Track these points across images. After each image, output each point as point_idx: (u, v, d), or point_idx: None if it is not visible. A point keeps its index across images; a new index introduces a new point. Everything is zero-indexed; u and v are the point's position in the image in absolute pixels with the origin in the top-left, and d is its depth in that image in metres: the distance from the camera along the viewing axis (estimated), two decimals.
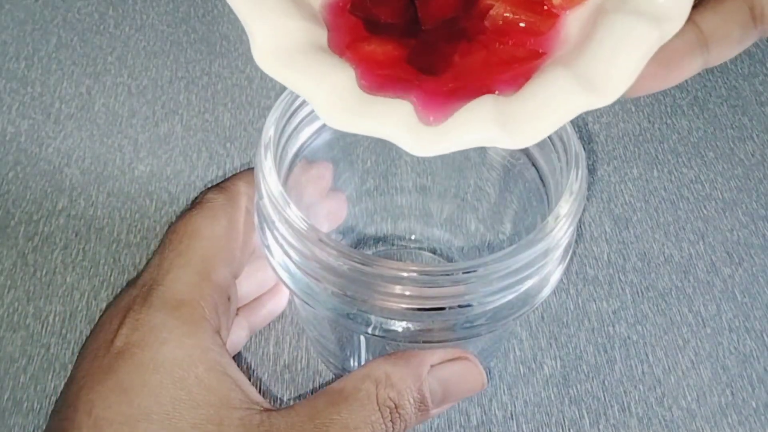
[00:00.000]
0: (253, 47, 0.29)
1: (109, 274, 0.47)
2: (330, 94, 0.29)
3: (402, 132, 0.28)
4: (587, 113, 0.58)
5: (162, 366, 0.31)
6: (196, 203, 0.38)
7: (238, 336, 0.41)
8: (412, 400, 0.32)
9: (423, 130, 0.28)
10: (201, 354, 0.32)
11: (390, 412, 0.32)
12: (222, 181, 0.40)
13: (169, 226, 0.38)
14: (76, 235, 0.49)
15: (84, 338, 0.44)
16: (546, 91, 0.28)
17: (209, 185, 0.52)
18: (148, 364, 0.31)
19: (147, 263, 0.37)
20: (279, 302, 0.44)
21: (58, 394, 0.42)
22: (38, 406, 0.42)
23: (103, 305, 0.46)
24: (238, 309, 0.41)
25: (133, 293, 0.35)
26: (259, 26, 0.28)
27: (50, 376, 0.43)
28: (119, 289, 0.47)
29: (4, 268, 0.47)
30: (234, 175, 0.40)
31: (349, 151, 0.43)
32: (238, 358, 0.44)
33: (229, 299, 0.37)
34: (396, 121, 0.28)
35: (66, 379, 0.34)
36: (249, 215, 0.38)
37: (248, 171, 0.40)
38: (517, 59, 0.29)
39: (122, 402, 0.31)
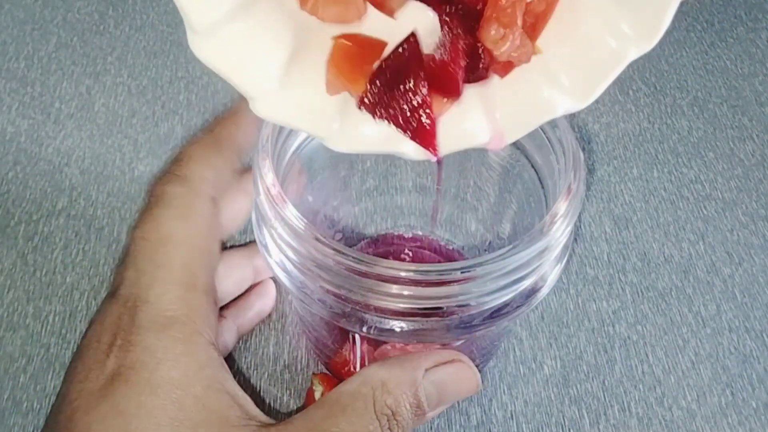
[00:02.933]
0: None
1: (109, 274, 0.47)
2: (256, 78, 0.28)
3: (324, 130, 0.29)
4: (587, 114, 0.58)
5: (159, 387, 0.31)
6: (155, 197, 0.36)
7: (226, 340, 0.41)
8: (408, 406, 0.32)
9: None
10: (198, 372, 0.32)
11: (387, 420, 0.32)
12: (173, 165, 0.37)
13: (134, 227, 0.35)
14: (76, 235, 0.49)
15: None
16: (527, 95, 0.29)
17: None
18: (144, 387, 0.31)
19: (120, 271, 0.35)
20: (267, 303, 0.43)
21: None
22: (38, 406, 0.42)
23: None
24: (225, 311, 0.41)
25: (117, 311, 0.33)
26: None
27: (50, 376, 0.43)
28: None
29: (4, 268, 0.47)
30: (185, 156, 0.37)
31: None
32: (238, 357, 0.44)
33: (215, 303, 0.35)
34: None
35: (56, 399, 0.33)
36: (214, 205, 0.36)
37: (197, 146, 0.37)
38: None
39: (119, 425, 0.30)
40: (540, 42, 0.29)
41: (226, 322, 0.40)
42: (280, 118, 0.29)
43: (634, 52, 0.28)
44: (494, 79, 0.30)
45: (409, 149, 0.31)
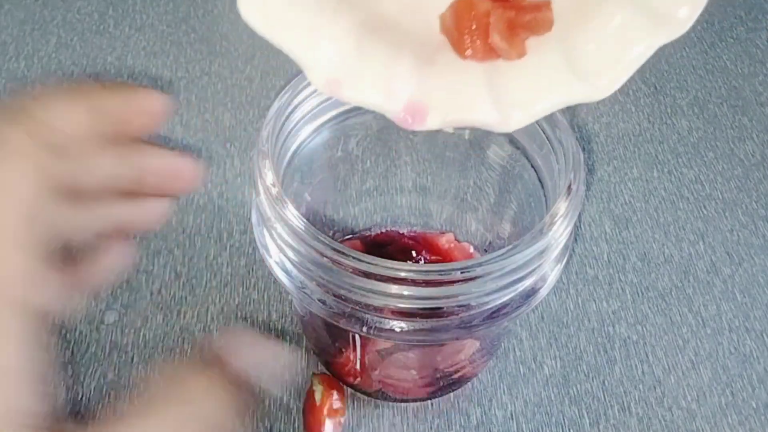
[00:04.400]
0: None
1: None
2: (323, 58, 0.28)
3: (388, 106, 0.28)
4: (587, 113, 0.58)
5: None
6: None
7: (62, 302, 0.32)
8: None
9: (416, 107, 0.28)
10: None
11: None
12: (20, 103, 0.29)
13: None
14: None
15: (84, 338, 0.44)
16: (540, 76, 0.28)
17: (209, 185, 0.52)
18: None
19: None
20: (119, 261, 0.35)
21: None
22: None
23: (103, 305, 0.46)
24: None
25: None
26: None
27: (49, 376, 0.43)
28: (118, 289, 0.47)
29: None
30: (36, 99, 0.29)
31: (348, 151, 0.43)
32: None
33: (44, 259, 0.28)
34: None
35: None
36: (56, 156, 0.28)
37: (61, 93, 0.29)
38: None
39: None
40: (563, 27, 0.28)
41: (65, 278, 0.32)
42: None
43: (664, 37, 0.26)
44: (510, 63, 0.29)
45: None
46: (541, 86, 0.28)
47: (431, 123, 0.29)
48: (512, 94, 0.29)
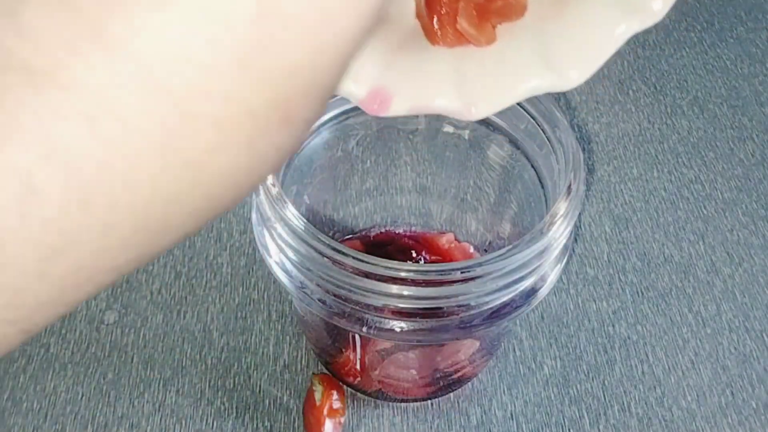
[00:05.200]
0: None
1: None
2: None
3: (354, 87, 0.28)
4: (587, 114, 0.58)
5: None
6: None
7: None
8: None
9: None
10: None
11: None
12: None
13: None
14: None
15: (84, 338, 0.44)
16: (508, 64, 0.28)
17: None
18: None
19: None
20: None
21: (58, 395, 0.42)
22: (38, 406, 0.42)
23: (104, 305, 0.46)
24: None
25: None
26: None
27: (50, 376, 0.43)
28: (118, 289, 0.47)
29: None
30: None
31: (348, 151, 0.43)
32: (238, 357, 0.44)
33: None
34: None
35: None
36: None
37: None
38: None
39: None
40: (536, 15, 0.28)
41: None
42: None
43: (637, 26, 0.26)
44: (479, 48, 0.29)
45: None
46: (508, 75, 0.28)
47: (395, 109, 0.29)
48: (478, 83, 0.29)
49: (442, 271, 0.31)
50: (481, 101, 0.28)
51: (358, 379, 0.42)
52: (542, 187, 0.38)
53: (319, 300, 0.33)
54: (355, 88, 0.29)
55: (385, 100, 0.29)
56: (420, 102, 0.29)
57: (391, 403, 0.43)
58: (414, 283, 0.31)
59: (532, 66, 0.28)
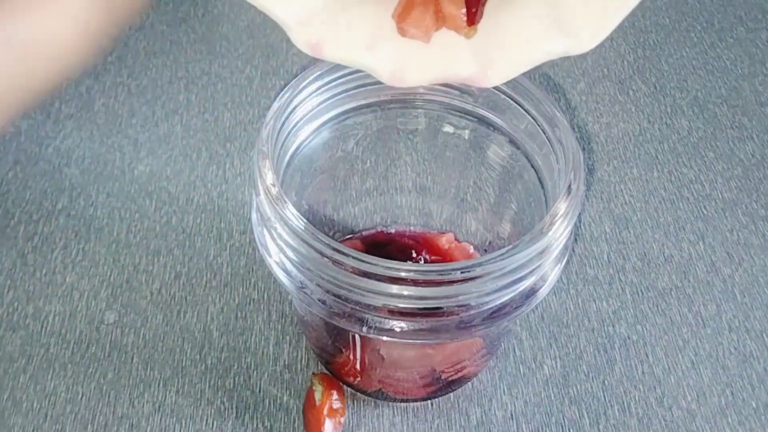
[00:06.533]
0: None
1: (108, 274, 0.47)
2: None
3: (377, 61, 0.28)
4: (587, 114, 0.58)
5: None
6: None
7: None
8: None
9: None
10: None
11: None
12: None
13: None
14: (76, 235, 0.49)
15: (84, 338, 0.44)
16: (523, 29, 0.28)
17: (209, 185, 0.52)
18: None
19: None
20: None
21: (58, 395, 0.42)
22: (38, 406, 0.42)
23: (103, 305, 0.46)
24: None
25: None
26: None
27: (50, 376, 0.43)
28: (118, 289, 0.47)
29: (3, 267, 0.47)
30: None
31: (348, 151, 0.43)
32: (238, 357, 0.44)
33: None
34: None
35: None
36: None
37: None
38: None
39: None
40: None
41: None
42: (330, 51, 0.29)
43: None
44: (493, 15, 0.29)
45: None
46: (523, 40, 0.28)
47: (412, 80, 0.30)
48: (494, 48, 0.29)
49: (442, 271, 0.31)
50: (499, 66, 0.29)
51: (358, 379, 0.42)
52: (542, 187, 0.38)
53: (319, 300, 0.33)
54: (377, 65, 0.29)
55: (403, 73, 0.29)
56: (439, 72, 0.29)
57: (391, 403, 0.43)
58: (414, 283, 0.31)
59: (546, 29, 0.28)
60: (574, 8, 0.27)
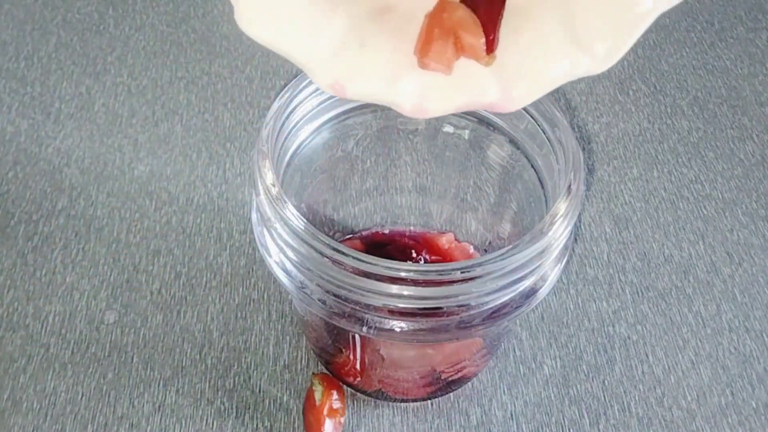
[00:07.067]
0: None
1: (108, 274, 0.47)
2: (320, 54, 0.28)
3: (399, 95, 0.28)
4: (587, 114, 0.58)
5: None
6: None
7: None
8: None
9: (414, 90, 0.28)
10: None
11: None
12: None
13: None
14: (76, 235, 0.49)
15: (84, 338, 0.44)
16: (540, 50, 0.28)
17: (209, 185, 0.52)
18: None
19: None
20: None
21: (58, 395, 0.42)
22: (38, 406, 0.42)
23: (103, 305, 0.46)
24: None
25: None
26: None
27: (50, 376, 0.43)
28: (118, 289, 0.47)
29: (3, 267, 0.47)
30: None
31: (348, 151, 0.43)
32: (238, 357, 0.44)
33: None
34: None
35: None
36: None
37: None
38: None
39: None
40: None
41: None
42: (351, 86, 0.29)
43: (666, 3, 0.26)
44: (508, 38, 0.29)
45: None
46: (541, 61, 0.28)
47: (435, 111, 0.30)
48: (514, 72, 0.29)
49: (442, 271, 0.31)
50: (520, 92, 0.29)
51: (358, 379, 0.42)
52: (542, 187, 0.38)
53: (319, 300, 0.33)
54: (400, 100, 0.29)
55: (425, 105, 0.30)
56: (462, 99, 0.29)
57: (391, 403, 0.43)
58: (414, 283, 0.31)
59: (564, 49, 0.28)
60: (590, 27, 0.27)
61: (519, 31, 0.29)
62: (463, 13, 0.29)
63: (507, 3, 0.29)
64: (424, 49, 0.29)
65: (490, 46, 0.29)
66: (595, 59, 0.28)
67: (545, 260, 0.33)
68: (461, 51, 0.29)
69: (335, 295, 0.33)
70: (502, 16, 0.29)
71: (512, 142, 0.40)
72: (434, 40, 0.29)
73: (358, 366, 0.41)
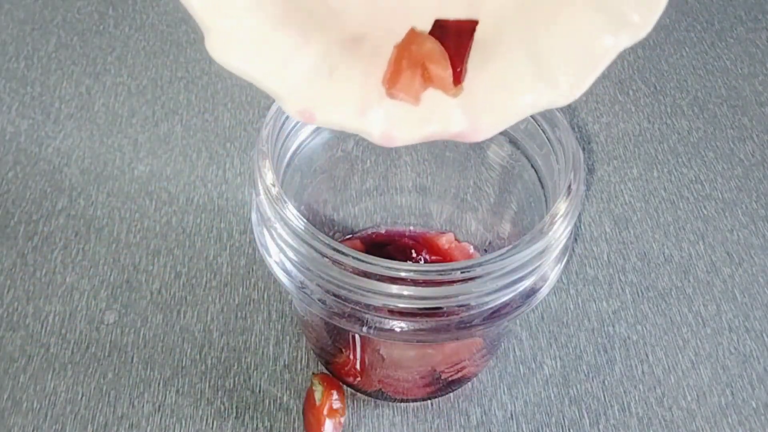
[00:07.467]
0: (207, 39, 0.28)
1: (108, 273, 0.47)
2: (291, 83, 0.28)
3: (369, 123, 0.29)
4: (587, 114, 0.58)
5: None
6: None
7: None
8: None
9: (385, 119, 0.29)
10: None
11: None
12: None
13: None
14: (76, 235, 0.49)
15: (84, 338, 0.44)
16: (506, 82, 0.28)
17: (209, 185, 0.52)
18: None
19: None
20: None
21: (58, 395, 0.42)
22: (38, 406, 0.42)
23: (103, 305, 0.46)
24: None
25: None
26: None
27: (50, 376, 0.43)
28: (118, 289, 0.47)
29: (3, 267, 0.47)
30: None
31: (348, 151, 0.43)
32: (238, 357, 0.44)
33: None
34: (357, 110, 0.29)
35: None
36: None
37: None
38: None
39: None
40: (529, 30, 0.29)
41: None
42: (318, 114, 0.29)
43: (627, 40, 0.27)
44: (476, 70, 0.30)
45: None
46: (507, 93, 0.29)
47: (402, 140, 0.30)
48: (481, 103, 0.29)
49: (442, 271, 0.31)
50: (486, 121, 0.29)
51: (358, 379, 0.42)
52: (542, 187, 0.38)
53: (319, 300, 0.33)
54: (368, 128, 0.30)
55: (393, 133, 0.30)
56: (427, 129, 0.30)
57: (391, 403, 0.43)
58: (414, 283, 0.31)
59: (529, 82, 0.28)
60: (554, 61, 0.28)
61: (486, 63, 0.29)
62: (432, 45, 0.29)
63: (475, 36, 0.30)
64: (392, 80, 0.29)
65: (458, 78, 0.29)
66: (559, 92, 0.28)
67: (545, 260, 0.33)
68: (429, 82, 0.30)
69: (335, 295, 0.33)
70: (470, 48, 0.30)
71: (512, 142, 0.40)
72: (402, 71, 0.29)
73: (358, 366, 0.41)
